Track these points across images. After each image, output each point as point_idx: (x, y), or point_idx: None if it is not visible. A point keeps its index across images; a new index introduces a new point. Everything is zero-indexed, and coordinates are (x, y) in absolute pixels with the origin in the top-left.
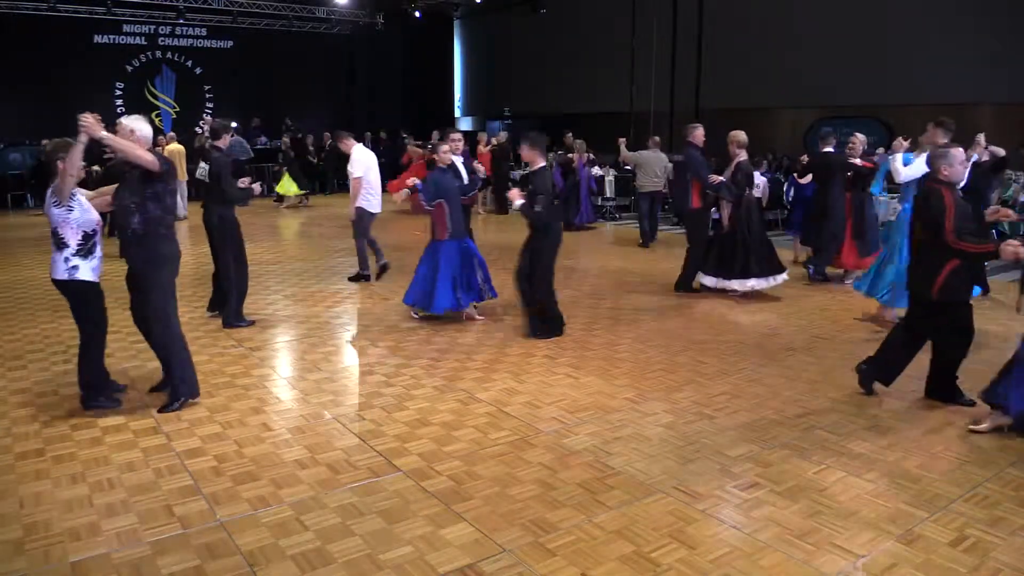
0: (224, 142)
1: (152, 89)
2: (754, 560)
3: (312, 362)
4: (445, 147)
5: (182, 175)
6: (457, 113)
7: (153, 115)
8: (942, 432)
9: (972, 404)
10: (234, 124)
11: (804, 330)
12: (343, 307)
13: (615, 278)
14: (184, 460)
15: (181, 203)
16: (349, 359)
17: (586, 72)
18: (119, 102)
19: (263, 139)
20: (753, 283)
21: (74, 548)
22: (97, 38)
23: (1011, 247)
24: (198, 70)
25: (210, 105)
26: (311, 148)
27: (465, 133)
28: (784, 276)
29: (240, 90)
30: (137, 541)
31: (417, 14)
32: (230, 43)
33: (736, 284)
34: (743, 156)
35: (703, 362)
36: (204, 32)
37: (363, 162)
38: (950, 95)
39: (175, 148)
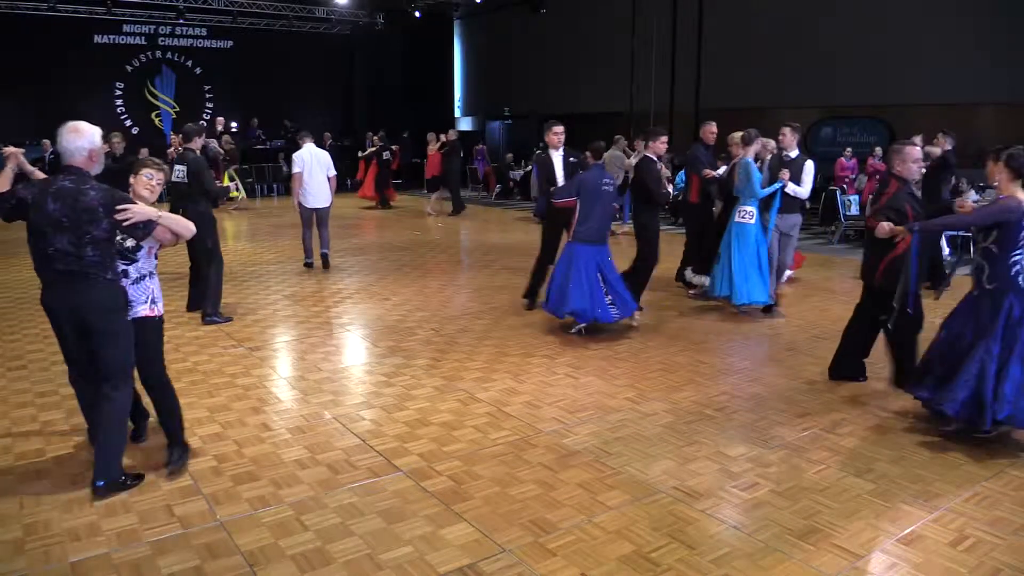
0: (196, 144)
1: (152, 89)
2: (754, 560)
3: (312, 362)
4: (631, 142)
5: None
6: (457, 113)
7: (153, 115)
8: (941, 432)
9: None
10: (234, 124)
11: (804, 330)
12: (343, 307)
13: None
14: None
15: None
16: (349, 359)
17: (586, 72)
18: (119, 102)
19: (260, 135)
20: (704, 279)
21: (74, 548)
22: (97, 38)
23: (885, 225)
24: (198, 70)
25: (210, 105)
26: None
27: (461, 132)
28: None
29: (240, 90)
30: (137, 541)
31: (417, 14)
32: (230, 43)
33: (697, 275)
34: (742, 155)
35: (703, 362)
36: (204, 32)
37: (298, 162)
38: (950, 95)
39: None
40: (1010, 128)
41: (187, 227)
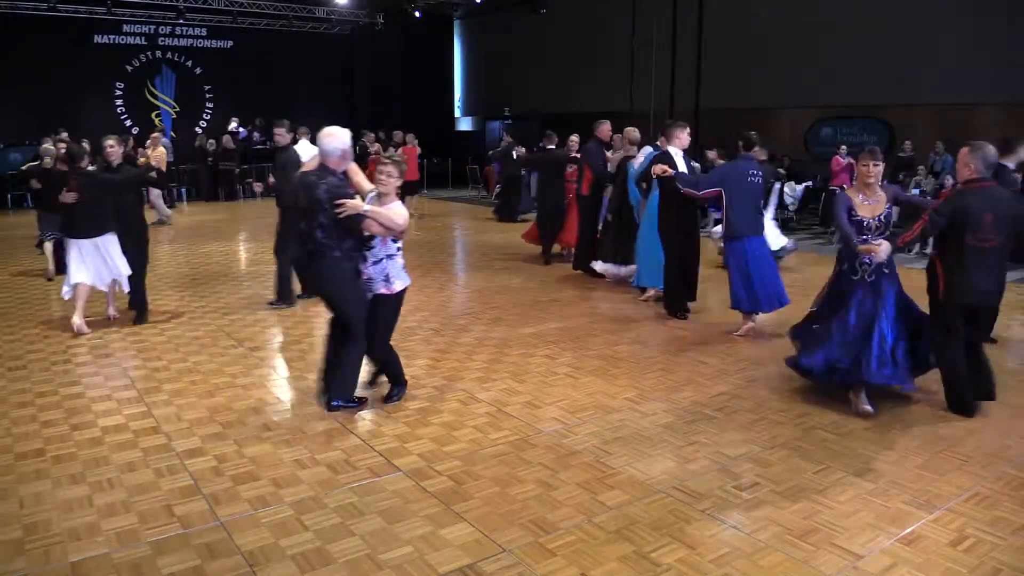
0: (285, 139)
1: (152, 89)
2: (754, 560)
3: (312, 362)
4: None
5: None
6: (457, 113)
7: (153, 115)
8: (942, 432)
9: None
10: (234, 121)
11: None
12: None
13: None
14: (184, 460)
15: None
16: None
17: (586, 72)
18: (119, 102)
19: (261, 137)
20: (609, 267)
21: (74, 548)
22: (97, 38)
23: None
24: (198, 70)
25: (210, 105)
26: None
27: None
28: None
29: (240, 90)
30: (137, 541)
31: (417, 14)
32: (230, 43)
33: (610, 267)
34: (629, 152)
35: (703, 362)
36: (204, 32)
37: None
38: (950, 95)
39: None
40: (1010, 128)
41: (390, 219)
